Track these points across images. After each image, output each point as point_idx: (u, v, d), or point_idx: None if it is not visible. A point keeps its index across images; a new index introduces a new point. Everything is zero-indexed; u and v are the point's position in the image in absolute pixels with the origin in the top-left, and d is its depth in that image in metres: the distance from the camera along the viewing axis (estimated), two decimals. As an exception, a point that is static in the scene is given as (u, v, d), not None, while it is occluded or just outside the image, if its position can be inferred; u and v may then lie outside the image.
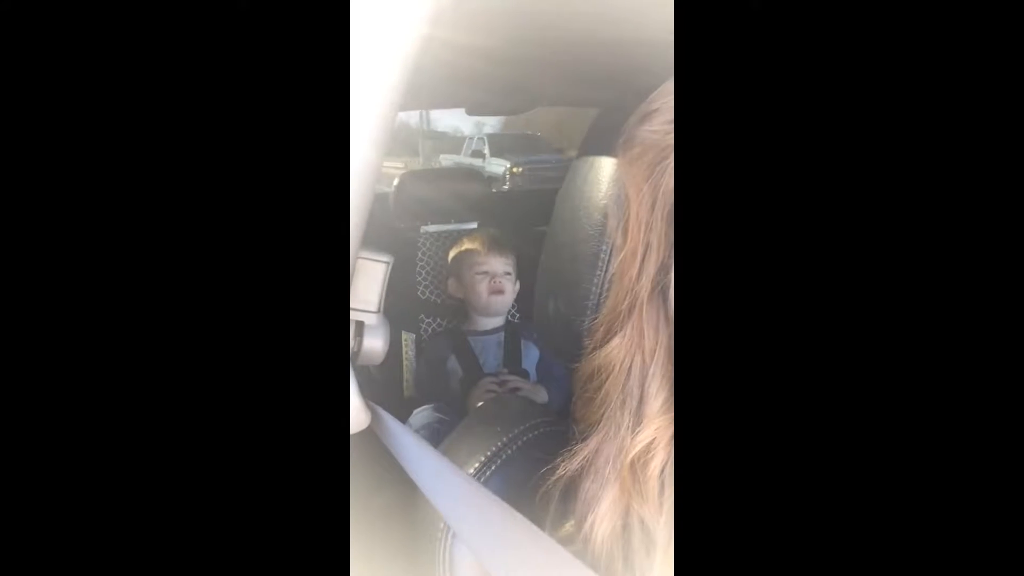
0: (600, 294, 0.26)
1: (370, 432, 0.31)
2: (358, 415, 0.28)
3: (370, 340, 0.31)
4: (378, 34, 0.23)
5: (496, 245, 0.99)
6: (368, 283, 0.30)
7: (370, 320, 0.31)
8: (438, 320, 1.08)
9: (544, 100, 1.56)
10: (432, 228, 1.16)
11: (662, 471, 0.24)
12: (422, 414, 0.87)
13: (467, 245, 1.01)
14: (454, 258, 1.03)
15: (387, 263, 0.31)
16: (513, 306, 1.08)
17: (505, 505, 0.25)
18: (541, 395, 0.92)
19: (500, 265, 0.97)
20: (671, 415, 0.24)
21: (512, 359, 0.97)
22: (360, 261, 0.29)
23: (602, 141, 0.26)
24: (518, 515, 0.25)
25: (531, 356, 0.98)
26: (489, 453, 0.30)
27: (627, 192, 0.24)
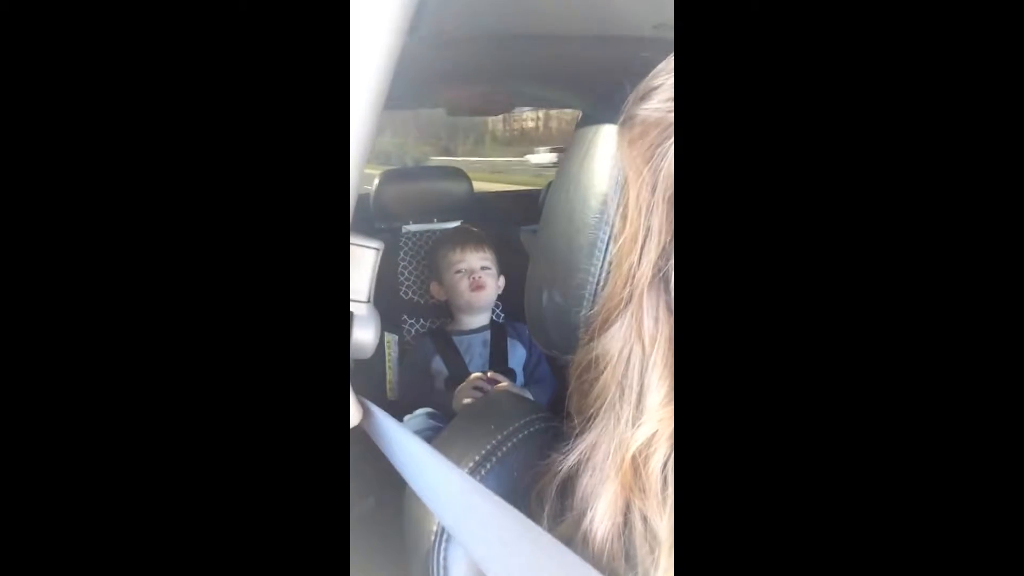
0: (597, 283, 0.25)
1: (356, 435, 0.30)
2: (350, 411, 0.27)
3: (360, 332, 0.29)
4: (363, 33, 0.22)
5: (471, 240, 0.99)
6: (358, 271, 0.29)
7: (360, 310, 0.29)
8: (421, 321, 1.07)
9: (523, 101, 1.57)
10: (414, 228, 1.14)
11: (664, 466, 0.23)
12: (415, 421, 0.86)
13: (442, 246, 1.00)
14: (432, 261, 1.02)
15: (377, 249, 0.29)
16: (497, 305, 1.07)
17: (503, 503, 0.24)
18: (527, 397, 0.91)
19: (477, 260, 0.97)
20: (674, 407, 0.23)
21: (498, 358, 0.96)
22: (349, 248, 0.28)
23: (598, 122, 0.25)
24: (518, 513, 0.24)
25: (517, 355, 0.98)
26: (483, 452, 0.29)
27: (626, 174, 0.24)
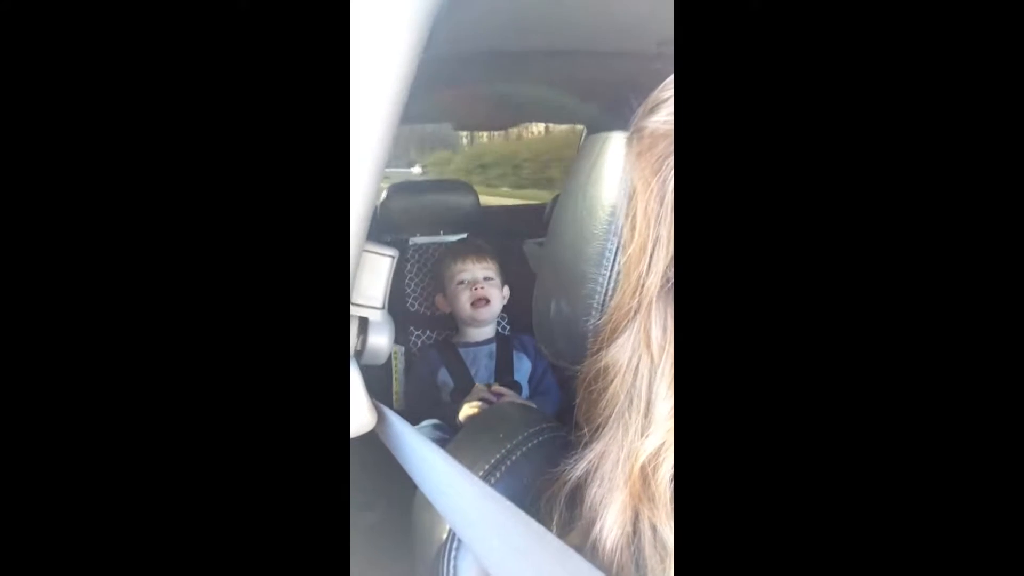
0: (606, 292, 0.26)
1: (362, 443, 0.30)
2: (365, 415, 0.27)
3: (375, 338, 0.30)
4: (379, 50, 0.23)
5: (472, 251, 0.99)
6: (373, 278, 0.29)
7: (375, 317, 0.30)
8: (428, 332, 1.07)
9: (530, 115, 1.59)
10: (420, 240, 1.15)
11: (674, 475, 0.23)
12: (422, 431, 0.85)
13: (445, 258, 1.00)
14: (436, 273, 1.03)
15: (392, 257, 0.30)
16: (503, 317, 1.07)
17: (516, 509, 0.24)
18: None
19: (480, 271, 0.97)
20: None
21: (504, 371, 0.96)
22: (364, 255, 0.29)
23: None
24: (530, 519, 0.24)
25: (523, 368, 0.97)
26: (493, 461, 0.29)
27: (635, 186, 0.24)
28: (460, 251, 0.99)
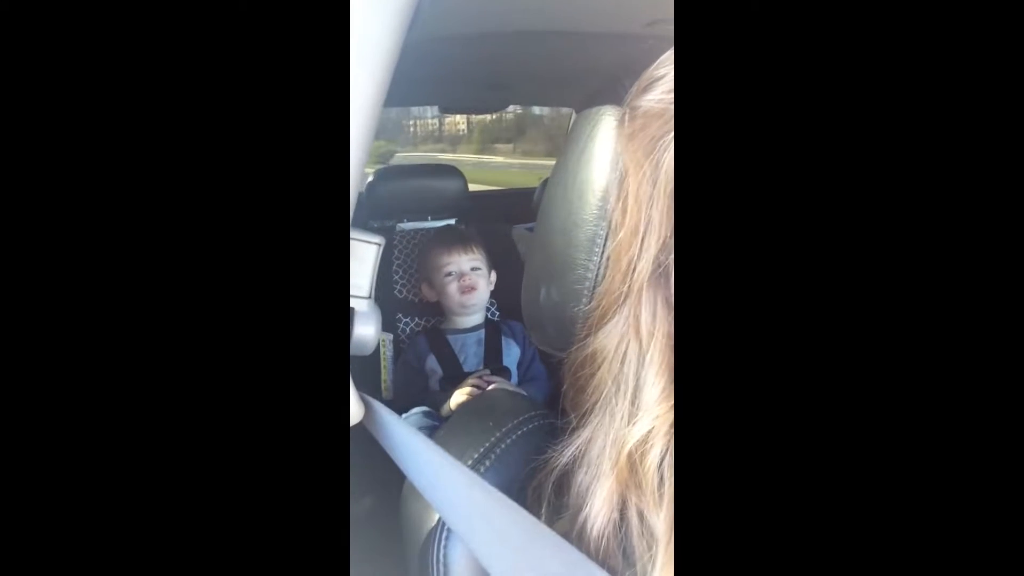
0: (596, 278, 0.25)
1: (354, 434, 0.30)
2: (352, 407, 0.27)
3: (361, 327, 0.29)
4: (363, 33, 0.22)
5: (458, 241, 0.98)
6: (359, 266, 0.28)
7: (361, 306, 0.29)
8: (416, 319, 1.07)
9: (518, 99, 1.57)
10: (408, 226, 1.14)
11: (661, 462, 0.23)
12: (411, 420, 0.85)
13: (430, 249, 0.99)
14: (421, 263, 1.02)
15: (379, 245, 0.29)
16: (492, 303, 1.07)
17: (505, 498, 0.24)
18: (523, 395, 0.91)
19: (466, 262, 0.96)
20: (671, 404, 0.23)
21: (492, 357, 0.96)
22: (350, 243, 0.28)
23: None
24: (519, 508, 0.24)
25: (512, 354, 0.97)
26: (482, 449, 0.29)
27: (627, 167, 0.24)
28: (446, 241, 0.98)
